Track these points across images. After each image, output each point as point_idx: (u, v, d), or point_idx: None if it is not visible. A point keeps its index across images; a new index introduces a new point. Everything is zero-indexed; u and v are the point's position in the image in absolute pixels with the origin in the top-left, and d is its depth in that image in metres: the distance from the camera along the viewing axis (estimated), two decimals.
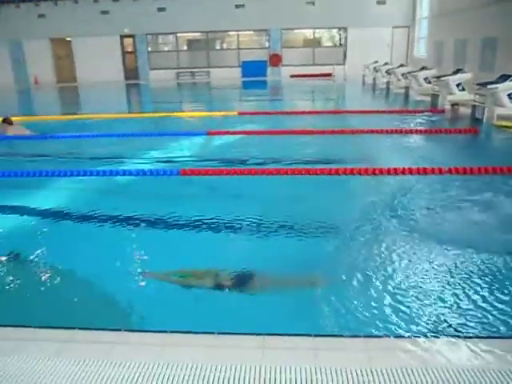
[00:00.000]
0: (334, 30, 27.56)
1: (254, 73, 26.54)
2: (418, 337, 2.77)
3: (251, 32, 27.93)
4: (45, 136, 9.75)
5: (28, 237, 4.89)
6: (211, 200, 5.77)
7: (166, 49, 29.24)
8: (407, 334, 2.83)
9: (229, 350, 2.60)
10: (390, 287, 3.44)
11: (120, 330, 2.86)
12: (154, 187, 6.31)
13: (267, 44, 27.46)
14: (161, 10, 26.58)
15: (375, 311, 3.13)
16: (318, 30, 27.48)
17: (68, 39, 28.30)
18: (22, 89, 27.36)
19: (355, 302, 3.24)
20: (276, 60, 27.04)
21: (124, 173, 6.42)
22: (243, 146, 8.47)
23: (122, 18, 26.96)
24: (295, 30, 27.46)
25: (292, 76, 26.01)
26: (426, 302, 3.25)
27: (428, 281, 3.54)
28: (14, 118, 11.27)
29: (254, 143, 8.60)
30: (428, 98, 13.01)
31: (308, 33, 27.75)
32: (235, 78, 26.34)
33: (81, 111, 16.73)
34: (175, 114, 13.19)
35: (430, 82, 13.57)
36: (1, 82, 28.26)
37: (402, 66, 17.80)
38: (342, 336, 2.79)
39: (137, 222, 5.08)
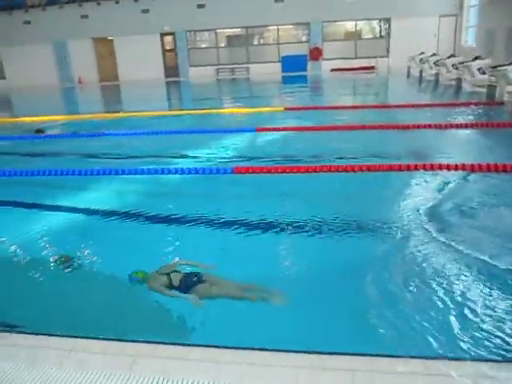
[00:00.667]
0: (377, 22, 26.79)
1: (294, 67, 26.16)
2: None
3: (291, 26, 27.53)
4: (91, 134, 9.81)
5: (77, 237, 4.82)
6: (265, 199, 5.58)
7: (205, 45, 29.25)
8: None
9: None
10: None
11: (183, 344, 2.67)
12: (206, 185, 6.18)
13: (307, 38, 26.99)
14: (200, 6, 26.59)
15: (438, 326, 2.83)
16: (359, 22, 26.79)
17: (110, 38, 28.76)
18: (66, 88, 28.05)
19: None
20: (316, 54, 26.56)
21: (176, 171, 6.27)
22: (293, 142, 8.22)
23: (161, 16, 27.14)
24: (336, 23, 26.85)
25: (333, 70, 25.48)
26: None
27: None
28: (58, 117, 11.52)
29: (304, 139, 8.32)
30: (482, 90, 12.33)
31: (349, 25, 27.08)
32: (275, 74, 26.05)
33: (125, 109, 16.91)
34: (221, 110, 13.10)
35: (484, 73, 12.87)
36: (47, 81, 29.13)
37: (452, 56, 17.03)
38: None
39: (191, 222, 4.95)
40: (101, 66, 29.60)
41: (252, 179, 5.76)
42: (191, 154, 7.91)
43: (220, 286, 3.61)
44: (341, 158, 6.69)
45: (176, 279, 3.68)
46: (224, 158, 7.49)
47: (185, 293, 3.58)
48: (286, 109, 11.01)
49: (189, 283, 3.62)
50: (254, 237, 4.45)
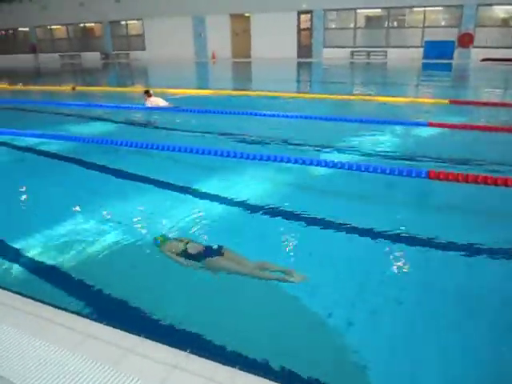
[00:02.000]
0: None
1: (437, 54, 23.92)
2: None
3: (439, 8, 25.11)
4: (223, 111, 9.51)
5: (214, 225, 4.48)
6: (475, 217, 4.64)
7: (341, 26, 27.97)
8: None
9: None
10: None
11: None
12: (374, 186, 5.40)
13: (457, 22, 24.43)
14: None
15: None
16: None
17: (247, 15, 28.74)
18: (200, 62, 28.75)
19: None
20: (467, 40, 23.97)
21: (328, 164, 5.55)
22: (484, 144, 7.01)
23: None
24: (494, 6, 23.89)
25: (483, 60, 22.78)
26: None
27: None
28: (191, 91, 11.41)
29: (495, 141, 7.05)
30: None
31: (509, 9, 23.95)
32: (415, 60, 24.08)
33: (256, 88, 16.58)
34: (367, 97, 12.11)
35: None
36: (183, 55, 30.14)
37: None
38: None
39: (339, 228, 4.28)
40: (234, 43, 29.82)
41: (453, 188, 4.83)
42: (343, 145, 7.14)
43: (236, 261, 3.62)
44: None
45: (193, 248, 3.76)
46: (394, 155, 6.60)
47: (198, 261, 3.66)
48: (451, 102, 9.71)
49: (206, 253, 3.68)
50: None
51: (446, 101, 9.84)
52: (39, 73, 28.08)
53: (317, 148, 7.06)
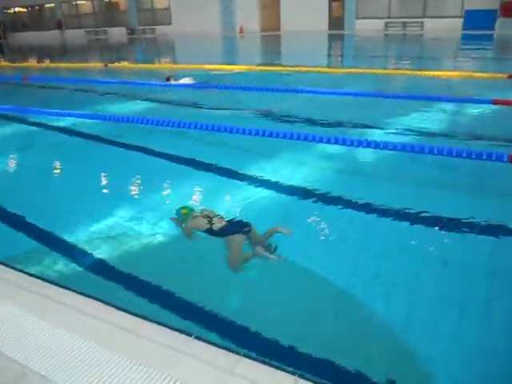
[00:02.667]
0: None
1: (478, 24, 22.65)
2: None
3: None
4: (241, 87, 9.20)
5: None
6: None
7: None
8: None
9: None
10: None
11: None
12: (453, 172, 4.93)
13: None
14: None
15: None
16: None
17: None
18: (227, 37, 28.03)
19: None
20: (510, 9, 22.59)
21: (386, 146, 5.10)
22: None
23: None
24: None
25: None
26: None
27: None
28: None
29: None
30: None
31: None
32: (453, 31, 22.85)
33: (284, 63, 15.94)
34: (417, 71, 11.42)
35: None
36: (209, 29, 29.46)
37: None
38: None
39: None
40: (263, 16, 28.95)
41: None
42: (396, 124, 6.64)
43: (259, 244, 3.39)
44: None
45: (218, 224, 3.51)
46: (460, 136, 6.09)
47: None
48: (510, 77, 9.00)
49: (230, 230, 3.43)
50: None
51: (505, 75, 9.12)
52: (69, 49, 27.88)
53: (373, 127, 6.60)
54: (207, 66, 12.82)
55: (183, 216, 3.70)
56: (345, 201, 4.30)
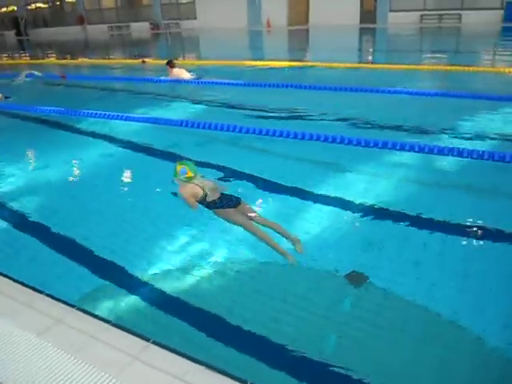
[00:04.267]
0: None
1: None
2: None
3: None
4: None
5: None
6: None
7: None
8: None
9: None
10: None
11: None
12: None
13: None
14: None
15: None
16: None
17: None
18: (255, 31, 27.36)
19: None
20: None
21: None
22: None
23: None
24: None
25: None
26: None
27: None
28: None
29: None
30: None
31: None
32: (493, 23, 21.87)
33: (312, 58, 15.32)
34: (479, 68, 10.69)
35: None
36: (235, 24, 28.80)
37: None
38: None
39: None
40: (291, 9, 28.18)
41: None
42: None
43: (246, 216, 3.66)
44: None
45: (212, 196, 3.77)
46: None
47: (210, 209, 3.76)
48: None
49: (222, 203, 3.72)
50: None
51: None
52: (97, 45, 27.40)
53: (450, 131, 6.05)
54: (249, 62, 12.33)
55: (187, 178, 3.83)
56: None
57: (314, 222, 3.91)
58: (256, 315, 2.86)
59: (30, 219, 4.33)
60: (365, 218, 3.92)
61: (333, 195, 4.37)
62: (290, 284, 3.18)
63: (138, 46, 24.85)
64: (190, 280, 3.21)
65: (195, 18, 31.71)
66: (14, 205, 4.66)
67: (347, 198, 4.28)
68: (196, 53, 19.94)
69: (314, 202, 4.26)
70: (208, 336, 2.66)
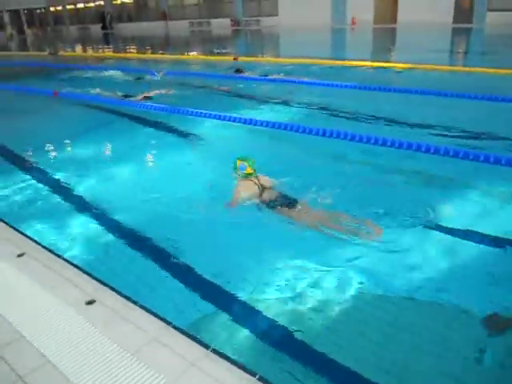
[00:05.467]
0: None
1: None
2: None
3: None
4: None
5: None
6: None
7: None
8: None
9: None
10: None
11: None
12: None
13: None
14: None
15: None
16: None
17: None
18: (339, 29, 26.52)
19: None
20: None
21: None
22: None
23: None
24: None
25: None
26: None
27: None
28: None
29: None
30: None
31: None
32: None
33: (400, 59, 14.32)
34: None
35: None
36: (318, 21, 28.07)
37: None
38: None
39: None
40: (377, 6, 26.98)
41: None
42: None
43: (308, 215, 3.59)
44: None
45: (269, 194, 3.84)
46: None
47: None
48: None
49: (280, 203, 3.74)
50: None
51: None
52: (184, 41, 27.78)
53: None
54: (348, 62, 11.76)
55: (245, 174, 3.90)
56: None
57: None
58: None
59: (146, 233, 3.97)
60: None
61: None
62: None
63: (228, 42, 24.73)
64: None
65: (276, 15, 31.34)
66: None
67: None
68: (294, 50, 19.48)
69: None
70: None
